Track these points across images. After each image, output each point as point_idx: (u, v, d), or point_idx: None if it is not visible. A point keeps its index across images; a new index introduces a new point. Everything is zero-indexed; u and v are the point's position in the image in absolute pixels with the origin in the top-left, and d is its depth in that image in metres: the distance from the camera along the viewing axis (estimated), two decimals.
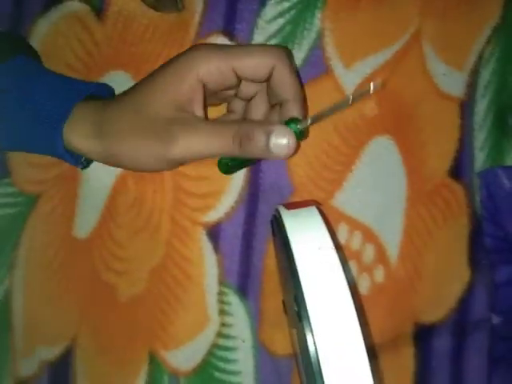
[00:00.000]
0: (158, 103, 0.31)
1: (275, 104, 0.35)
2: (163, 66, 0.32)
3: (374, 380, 0.25)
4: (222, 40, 0.40)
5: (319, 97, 0.41)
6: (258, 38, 0.41)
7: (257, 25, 0.41)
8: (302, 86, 0.35)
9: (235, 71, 0.32)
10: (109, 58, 0.40)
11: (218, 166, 0.37)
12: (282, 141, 0.29)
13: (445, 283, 0.41)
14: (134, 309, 0.39)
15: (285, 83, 0.33)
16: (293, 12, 0.41)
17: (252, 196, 0.40)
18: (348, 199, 0.41)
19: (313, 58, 0.41)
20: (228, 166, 0.37)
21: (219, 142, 0.31)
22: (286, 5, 0.41)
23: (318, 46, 0.41)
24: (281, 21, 0.41)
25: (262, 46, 0.38)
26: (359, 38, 0.41)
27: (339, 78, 0.41)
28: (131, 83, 0.34)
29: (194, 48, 0.32)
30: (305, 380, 0.30)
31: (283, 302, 0.38)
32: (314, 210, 0.30)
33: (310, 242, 0.28)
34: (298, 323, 0.28)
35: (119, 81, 0.40)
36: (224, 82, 0.33)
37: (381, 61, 0.41)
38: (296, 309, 0.27)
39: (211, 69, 0.31)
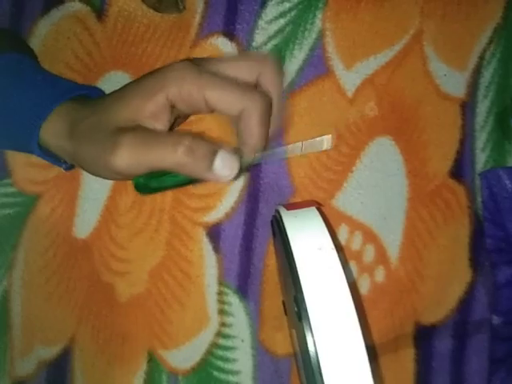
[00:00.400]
0: (119, 113, 0.31)
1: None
2: (139, 79, 0.32)
3: (374, 380, 0.24)
4: (222, 41, 0.40)
5: (319, 97, 0.41)
6: (259, 38, 0.41)
7: (257, 25, 0.41)
8: (267, 134, 0.32)
9: (206, 101, 0.30)
10: (109, 59, 0.40)
11: (134, 187, 0.33)
12: (225, 163, 0.29)
13: (445, 284, 0.41)
14: (134, 309, 0.39)
15: (250, 129, 0.31)
16: (293, 12, 0.41)
17: (252, 196, 0.40)
18: (348, 200, 0.40)
19: (313, 59, 0.41)
20: (143, 185, 0.33)
21: (162, 154, 0.29)
22: (287, 5, 0.41)
23: (318, 47, 0.41)
24: (281, 21, 0.41)
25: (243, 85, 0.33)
26: (360, 39, 0.41)
27: (340, 78, 0.41)
28: None
29: (173, 65, 0.31)
30: (304, 380, 0.30)
31: (283, 303, 0.38)
32: (314, 210, 0.30)
33: (310, 243, 0.28)
34: (297, 323, 0.28)
35: (119, 81, 0.40)
36: (195, 107, 0.31)
37: (382, 61, 0.41)
38: (296, 309, 0.27)
39: (182, 92, 0.30)
